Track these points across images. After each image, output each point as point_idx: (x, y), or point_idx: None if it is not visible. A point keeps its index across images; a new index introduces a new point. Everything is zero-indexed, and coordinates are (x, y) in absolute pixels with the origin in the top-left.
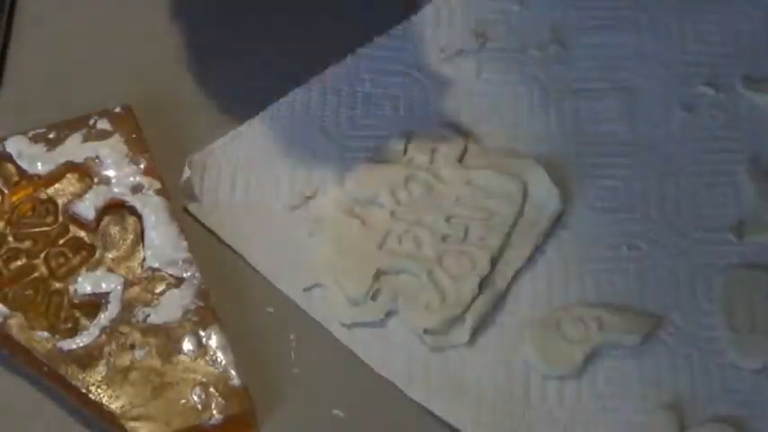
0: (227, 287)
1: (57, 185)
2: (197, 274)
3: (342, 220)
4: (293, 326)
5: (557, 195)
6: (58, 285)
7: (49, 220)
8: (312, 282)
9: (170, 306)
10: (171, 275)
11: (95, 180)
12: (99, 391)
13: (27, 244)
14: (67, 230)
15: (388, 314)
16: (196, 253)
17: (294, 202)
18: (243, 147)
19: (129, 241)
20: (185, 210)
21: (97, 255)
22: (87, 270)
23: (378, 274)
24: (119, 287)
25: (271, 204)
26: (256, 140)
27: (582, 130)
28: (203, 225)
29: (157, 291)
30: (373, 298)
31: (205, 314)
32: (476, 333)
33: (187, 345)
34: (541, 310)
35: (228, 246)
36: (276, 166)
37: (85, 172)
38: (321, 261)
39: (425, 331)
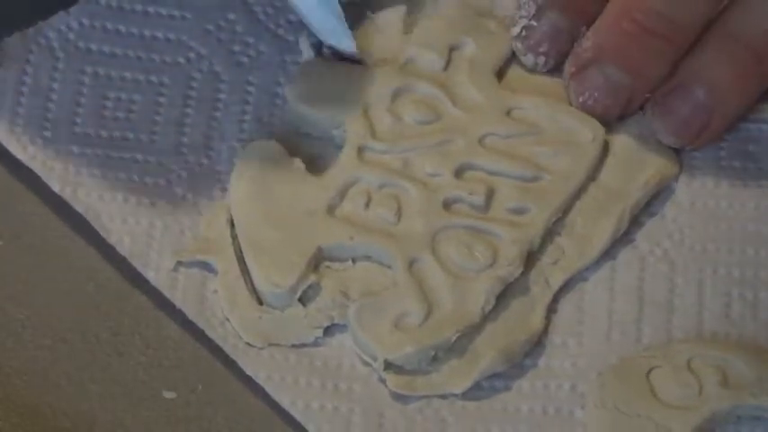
0: None
1: None
2: None
3: (267, 154)
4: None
5: (671, 158)
6: None
7: None
8: (193, 257)
9: None
10: None
11: None
12: None
13: None
14: None
15: (329, 331)
16: None
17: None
18: None
19: None
20: None
21: None
22: None
23: (317, 258)
24: None
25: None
26: None
27: None
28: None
29: None
30: (305, 300)
31: None
32: (486, 379)
33: None
34: (618, 350)
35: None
36: None
37: None
38: (216, 224)
39: (388, 366)
